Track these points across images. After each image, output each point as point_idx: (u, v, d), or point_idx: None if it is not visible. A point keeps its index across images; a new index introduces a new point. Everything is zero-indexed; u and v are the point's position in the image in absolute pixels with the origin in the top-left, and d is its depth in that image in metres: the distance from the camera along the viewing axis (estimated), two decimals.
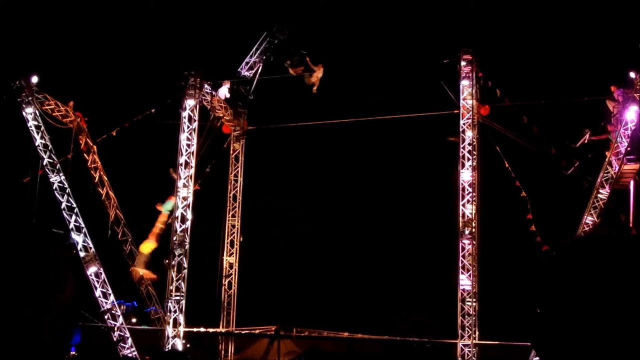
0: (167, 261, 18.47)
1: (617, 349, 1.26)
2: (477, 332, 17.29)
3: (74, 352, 13.95)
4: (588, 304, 1.29)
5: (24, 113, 18.55)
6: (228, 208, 21.66)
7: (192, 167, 18.84)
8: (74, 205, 18.66)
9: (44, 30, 22.01)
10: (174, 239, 18.34)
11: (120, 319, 18.66)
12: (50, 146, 18.75)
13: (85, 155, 19.71)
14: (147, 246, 19.25)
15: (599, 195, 16.73)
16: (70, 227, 18.36)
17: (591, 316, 1.28)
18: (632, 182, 16.53)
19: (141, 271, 19.63)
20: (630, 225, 15.77)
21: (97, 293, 18.45)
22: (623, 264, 1.35)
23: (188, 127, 18.91)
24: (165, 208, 19.22)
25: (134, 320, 20.15)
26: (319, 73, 19.69)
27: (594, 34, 19.85)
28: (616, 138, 16.43)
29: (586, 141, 17.04)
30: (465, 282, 17.41)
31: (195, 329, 19.84)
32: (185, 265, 18.30)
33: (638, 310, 1.27)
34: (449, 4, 21.98)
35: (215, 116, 20.55)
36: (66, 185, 18.72)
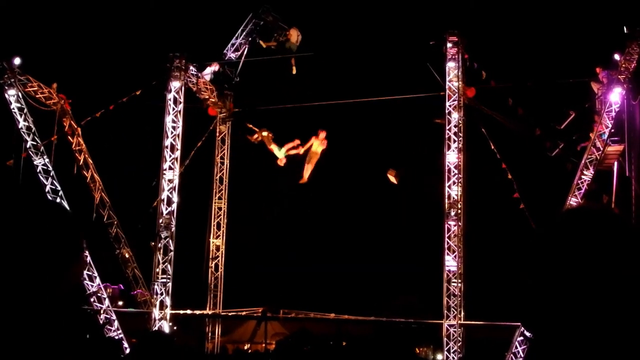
0: (153, 244, 18.43)
1: (611, 328, 1.27)
2: (462, 313, 17.45)
3: None
4: (580, 281, 1.31)
5: (6, 95, 18.29)
6: (214, 190, 21.62)
7: (177, 149, 18.75)
8: (59, 188, 18.52)
9: (27, 11, 21.64)
10: (160, 221, 18.29)
11: (107, 302, 18.63)
12: (33, 129, 18.54)
13: (69, 137, 19.50)
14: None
15: (583, 176, 16.87)
16: None
17: (584, 294, 1.30)
18: (615, 164, 16.70)
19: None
20: (613, 205, 15.95)
21: (83, 276, 18.38)
22: (612, 238, 1.37)
23: (173, 109, 18.77)
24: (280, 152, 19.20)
25: (120, 303, 20.12)
26: (295, 37, 19.40)
27: (579, 16, 19.89)
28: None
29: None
30: (450, 263, 17.53)
31: (182, 312, 19.86)
32: (172, 247, 18.28)
33: (629, 286, 1.29)
34: None
35: (201, 98, 20.40)
36: (50, 168, 18.55)
